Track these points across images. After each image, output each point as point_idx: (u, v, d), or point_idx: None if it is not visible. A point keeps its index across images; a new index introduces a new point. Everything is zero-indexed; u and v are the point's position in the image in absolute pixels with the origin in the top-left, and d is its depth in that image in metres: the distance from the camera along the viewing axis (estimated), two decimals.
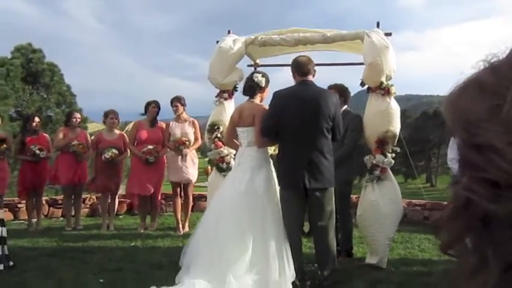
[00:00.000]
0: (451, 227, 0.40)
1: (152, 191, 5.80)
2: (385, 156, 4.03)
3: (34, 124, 5.87)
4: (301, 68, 3.50)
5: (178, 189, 5.85)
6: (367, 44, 4.03)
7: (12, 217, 6.69)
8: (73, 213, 6.13)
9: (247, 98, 3.72)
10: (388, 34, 4.18)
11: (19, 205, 6.67)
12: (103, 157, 5.67)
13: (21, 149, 5.76)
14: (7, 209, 6.53)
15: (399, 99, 4.18)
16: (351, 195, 4.60)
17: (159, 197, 6.14)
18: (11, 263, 3.91)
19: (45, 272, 3.73)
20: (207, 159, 4.76)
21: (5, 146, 5.52)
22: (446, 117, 0.40)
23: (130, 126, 6.56)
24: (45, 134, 6.16)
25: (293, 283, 3.24)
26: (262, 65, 5.31)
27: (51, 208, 7.00)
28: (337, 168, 4.00)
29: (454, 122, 0.39)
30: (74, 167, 5.84)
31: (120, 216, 6.98)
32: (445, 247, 0.41)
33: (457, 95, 0.40)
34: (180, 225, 5.68)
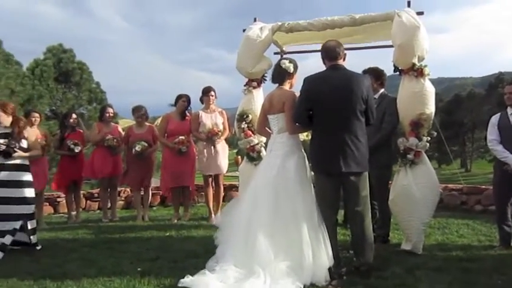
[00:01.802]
0: None
1: (186, 182, 5.89)
2: (420, 139, 3.90)
3: (71, 120, 6.09)
4: (330, 53, 3.43)
5: (210, 180, 5.90)
6: (396, 24, 3.90)
7: (52, 211, 6.99)
8: (109, 205, 6.32)
9: (276, 86, 3.70)
10: (420, 13, 4.02)
11: (58, 199, 6.96)
12: (133, 150, 5.81)
13: (60, 144, 5.99)
14: (47, 203, 6.83)
15: (431, 83, 4.03)
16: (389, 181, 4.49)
17: (194, 188, 6.21)
18: (39, 247, 4.38)
19: (86, 261, 3.85)
20: (235, 150, 4.77)
21: (44, 142, 5.74)
22: None
23: (159, 120, 6.66)
24: (80, 130, 6.37)
25: (328, 269, 3.21)
26: (288, 52, 5.25)
27: (88, 201, 7.27)
28: (376, 153, 3.92)
29: None
30: (109, 161, 6.03)
31: (154, 208, 7.15)
32: None
33: None
34: (213, 215, 5.75)
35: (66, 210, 6.39)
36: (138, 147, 5.79)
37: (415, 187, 3.88)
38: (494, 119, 4.28)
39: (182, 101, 5.90)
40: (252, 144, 4.49)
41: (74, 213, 6.20)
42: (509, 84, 4.30)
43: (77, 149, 5.90)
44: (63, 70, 19.61)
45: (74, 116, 6.20)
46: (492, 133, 4.23)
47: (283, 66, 3.58)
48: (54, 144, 6.05)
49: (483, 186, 6.45)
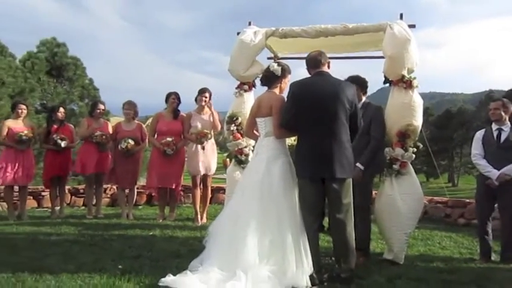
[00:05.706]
0: None
1: (172, 184, 5.84)
2: (406, 150, 3.94)
3: (60, 114, 6.04)
4: (312, 61, 3.49)
5: (198, 181, 5.89)
6: (388, 35, 3.95)
7: (36, 205, 6.91)
8: (94, 202, 6.26)
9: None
10: (411, 26, 4.08)
11: (43, 193, 6.87)
12: (119, 147, 5.77)
13: (47, 138, 5.93)
14: (31, 197, 6.75)
15: (422, 97, 4.08)
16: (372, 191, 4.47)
17: (179, 189, 6.18)
18: None
19: (67, 257, 3.82)
20: (225, 154, 4.78)
21: (31, 135, 5.69)
22: None
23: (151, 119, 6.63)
24: (69, 125, 6.32)
25: (310, 276, 3.22)
26: (282, 58, 5.27)
27: (73, 197, 7.20)
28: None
29: None
30: (96, 157, 5.97)
31: (140, 207, 7.10)
32: None
33: None
34: (199, 216, 5.72)
35: (50, 205, 6.32)
36: (123, 144, 5.76)
37: (400, 197, 3.91)
38: (479, 134, 4.35)
39: (172, 99, 5.89)
40: (240, 147, 4.50)
41: (57, 208, 6.12)
42: (493, 101, 4.39)
43: (64, 144, 5.83)
44: (56, 64, 19.37)
45: (61, 109, 6.14)
46: (476, 148, 4.29)
47: (272, 69, 3.60)
48: (40, 138, 6.00)
49: (467, 200, 6.52)
